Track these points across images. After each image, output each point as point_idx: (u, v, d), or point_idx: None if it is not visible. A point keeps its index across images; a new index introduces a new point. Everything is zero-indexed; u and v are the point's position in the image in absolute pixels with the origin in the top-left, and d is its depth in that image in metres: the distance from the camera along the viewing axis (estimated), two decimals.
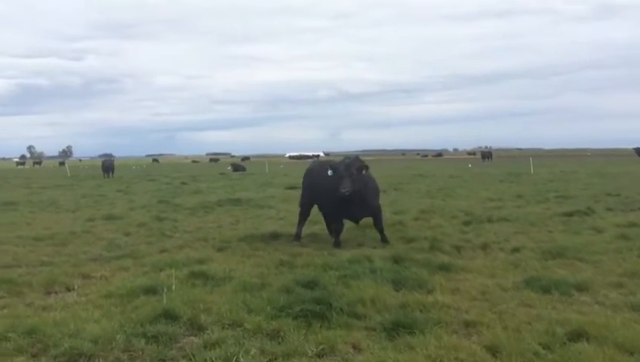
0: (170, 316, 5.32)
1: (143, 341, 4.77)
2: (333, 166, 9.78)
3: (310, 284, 6.40)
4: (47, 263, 8.56)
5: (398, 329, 5.06)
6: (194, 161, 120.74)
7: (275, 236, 10.77)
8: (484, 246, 9.13)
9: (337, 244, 9.67)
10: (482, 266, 7.79)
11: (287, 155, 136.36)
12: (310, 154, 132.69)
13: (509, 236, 10.23)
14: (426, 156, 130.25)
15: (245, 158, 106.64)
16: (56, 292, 6.85)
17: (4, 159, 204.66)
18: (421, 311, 5.66)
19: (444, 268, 7.51)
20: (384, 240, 9.84)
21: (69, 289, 6.97)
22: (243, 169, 50.51)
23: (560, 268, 7.56)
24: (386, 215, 13.08)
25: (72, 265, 8.26)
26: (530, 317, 5.47)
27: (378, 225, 10.09)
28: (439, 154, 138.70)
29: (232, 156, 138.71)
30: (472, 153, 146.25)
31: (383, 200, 17.49)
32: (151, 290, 6.36)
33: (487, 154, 72.77)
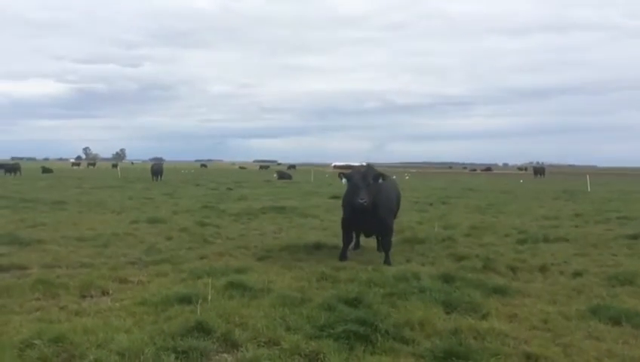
0: (203, 329, 4.99)
1: (172, 356, 4.45)
2: (347, 175, 9.28)
3: (354, 302, 5.97)
4: (86, 265, 8.46)
5: (450, 358, 4.56)
6: (241, 168, 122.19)
7: (318, 246, 10.38)
8: (543, 269, 8.44)
9: (341, 257, 9.19)
10: (541, 291, 7.14)
11: (333, 165, 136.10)
12: (356, 164, 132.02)
13: (569, 258, 9.47)
14: (474, 170, 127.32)
15: (291, 166, 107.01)
16: (91, 296, 6.68)
17: (61, 160, 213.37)
18: (475, 338, 5.13)
19: (500, 291, 6.91)
20: (387, 262, 8.98)
21: (104, 294, 6.78)
22: (289, 177, 50.48)
23: (630, 296, 6.83)
24: (435, 229, 12.59)
25: (111, 268, 8.11)
26: (600, 353, 4.86)
27: (384, 245, 9.44)
28: (488, 168, 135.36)
29: (279, 164, 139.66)
30: (522, 168, 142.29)
31: (432, 214, 17.12)
32: (186, 299, 6.08)
33: (539, 170, 70.29)
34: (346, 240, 9.55)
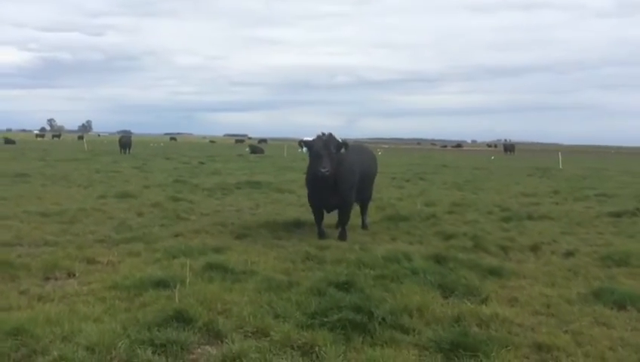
0: (182, 318, 4.48)
1: (149, 350, 3.93)
2: (308, 143, 8.72)
3: (344, 285, 5.53)
4: (50, 243, 7.81)
5: (457, 350, 4.17)
6: (211, 141, 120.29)
7: (298, 224, 9.91)
8: (534, 248, 8.15)
9: (319, 235, 8.84)
10: (537, 271, 6.83)
11: (303, 140, 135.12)
12: None
13: (557, 236, 9.23)
14: (445, 146, 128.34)
15: (262, 141, 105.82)
16: (56, 279, 6.08)
17: (24, 131, 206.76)
18: (479, 325, 4.77)
19: (495, 272, 6.57)
20: (342, 237, 8.69)
21: (70, 276, 6.18)
22: (261, 151, 49.74)
23: (627, 278, 6.58)
24: (418, 206, 12.26)
25: (77, 247, 7.47)
26: (612, 341, 4.54)
27: (342, 219, 8.95)
28: (459, 145, 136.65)
29: (250, 138, 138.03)
30: (491, 145, 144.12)
31: (410, 190, 16.82)
32: (162, 283, 5.55)
33: (509, 147, 71.09)
34: (317, 217, 9.01)
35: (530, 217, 11.22)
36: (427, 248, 7.93)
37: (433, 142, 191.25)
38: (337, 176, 8.47)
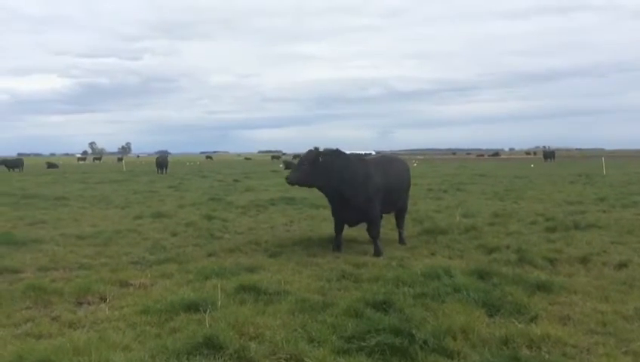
0: (213, 345, 4.28)
1: None
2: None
3: (382, 305, 5.26)
4: (85, 266, 7.81)
5: None
6: (247, 158, 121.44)
7: (333, 240, 9.65)
8: (583, 260, 7.69)
9: (334, 246, 8.97)
10: (588, 285, 6.39)
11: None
12: (362, 152, 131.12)
13: (607, 246, 8.72)
14: (482, 155, 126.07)
15: (296, 156, 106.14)
16: (88, 303, 5.99)
17: (67, 155, 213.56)
18: (529, 347, 4.43)
19: (543, 287, 6.17)
20: (375, 252, 8.53)
21: (102, 300, 6.09)
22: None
23: None
24: (457, 218, 11.84)
25: (111, 270, 7.44)
26: None
27: (369, 231, 8.97)
28: (496, 153, 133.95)
29: (284, 154, 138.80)
30: (529, 153, 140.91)
31: (448, 201, 16.35)
32: (193, 306, 5.39)
33: (549, 154, 69.08)
34: (336, 229, 9.12)
35: (576, 226, 10.67)
36: (469, 263, 7.56)
37: (469, 152, 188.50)
38: (346, 190, 8.59)
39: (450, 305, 5.32)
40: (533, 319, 5.11)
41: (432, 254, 8.41)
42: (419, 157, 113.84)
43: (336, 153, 8.88)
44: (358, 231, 10.12)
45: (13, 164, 48.64)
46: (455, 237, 9.74)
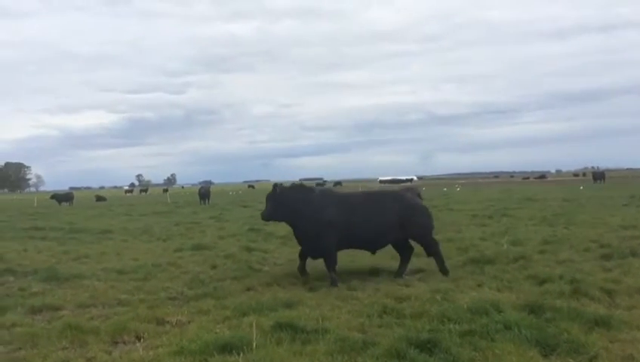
0: None
1: None
2: None
3: (427, 345, 4.94)
4: (123, 302, 7.76)
5: None
6: None
7: (373, 272, 9.38)
8: None
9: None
10: None
11: (379, 180, 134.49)
12: (403, 178, 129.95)
13: None
14: (527, 178, 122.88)
15: (337, 183, 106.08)
16: (124, 343, 5.89)
17: (115, 188, 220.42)
18: None
19: (602, 322, 5.71)
20: (332, 283, 8.52)
21: (138, 339, 5.97)
22: None
23: None
24: (504, 246, 11.34)
25: (149, 306, 7.35)
26: None
27: (325, 263, 8.95)
28: (542, 175, 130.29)
29: (325, 181, 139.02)
30: (577, 174, 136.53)
31: (494, 228, 15.75)
32: (228, 347, 5.19)
33: (599, 175, 66.63)
34: (300, 255, 9.47)
35: (634, 254, 10.02)
36: (519, 295, 7.11)
37: (512, 175, 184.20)
38: (299, 223, 9.04)
39: (500, 344, 4.95)
40: (593, 359, 4.69)
41: (479, 286, 7.98)
42: (461, 181, 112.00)
43: (294, 188, 9.49)
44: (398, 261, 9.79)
45: (64, 198, 50.35)
46: (503, 267, 9.27)
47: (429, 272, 9.14)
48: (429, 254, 9.32)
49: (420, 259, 10.36)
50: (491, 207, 25.03)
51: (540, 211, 21.86)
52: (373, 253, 9.61)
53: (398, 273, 9.13)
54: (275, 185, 9.47)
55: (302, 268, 9.33)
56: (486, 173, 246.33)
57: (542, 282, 7.87)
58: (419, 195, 9.77)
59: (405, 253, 9.44)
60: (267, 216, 9.29)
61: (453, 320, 5.84)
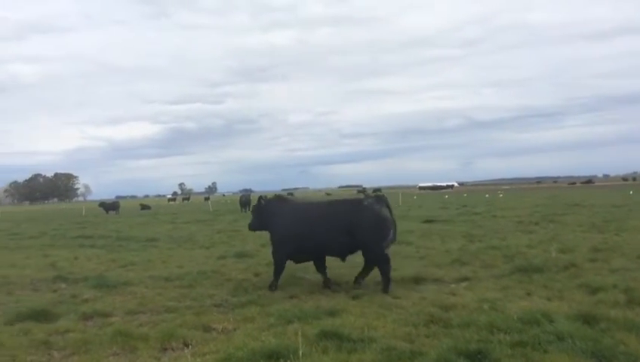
0: None
1: None
2: None
3: (477, 356, 4.84)
4: (170, 309, 7.90)
5: None
6: (327, 194, 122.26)
7: (417, 280, 9.24)
8: None
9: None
10: None
11: (419, 186, 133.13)
12: (444, 184, 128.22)
13: None
14: (573, 183, 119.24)
15: (377, 190, 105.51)
16: (172, 349, 5.99)
17: (159, 196, 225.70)
18: None
19: None
20: (270, 288, 9.10)
21: (186, 345, 6.06)
22: None
23: None
24: (553, 254, 11.01)
25: (195, 313, 7.46)
26: None
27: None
28: (589, 180, 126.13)
29: (364, 188, 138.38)
30: (626, 178, 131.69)
31: (541, 235, 15.30)
32: (275, 354, 5.21)
33: None
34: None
35: None
36: (570, 305, 6.89)
37: (555, 180, 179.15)
38: (270, 232, 9.79)
39: (553, 355, 4.80)
40: None
41: (528, 295, 7.76)
42: (504, 187, 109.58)
43: (272, 200, 10.18)
44: (445, 271, 9.67)
45: (110, 206, 51.81)
46: (552, 275, 8.99)
47: (475, 280, 8.96)
48: (377, 267, 8.94)
49: (465, 268, 10.20)
50: (537, 214, 24.39)
51: (589, 217, 21.17)
52: (342, 260, 9.49)
53: (357, 281, 9.15)
54: (260, 198, 10.25)
55: (323, 280, 9.35)
56: (528, 179, 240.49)
57: (594, 291, 7.59)
58: (386, 204, 9.12)
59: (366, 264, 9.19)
60: (252, 227, 10.27)
61: (502, 330, 5.70)
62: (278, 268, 9.34)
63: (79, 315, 7.60)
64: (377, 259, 8.79)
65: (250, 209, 42.32)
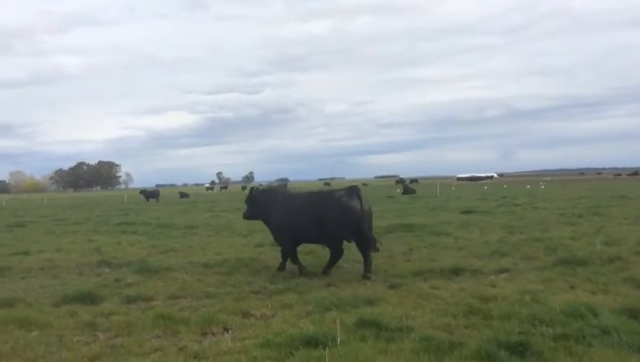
0: None
1: None
2: None
3: (518, 348, 4.74)
4: (210, 295, 8.04)
5: None
6: (364, 184, 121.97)
7: (456, 271, 9.12)
8: None
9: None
10: None
11: (457, 177, 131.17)
12: (483, 175, 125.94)
13: None
14: (619, 175, 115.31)
15: (414, 181, 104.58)
16: (212, 333, 6.10)
17: (197, 185, 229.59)
18: None
19: None
20: (278, 268, 10.01)
21: (225, 330, 6.17)
22: (413, 191, 48.89)
23: None
24: (597, 247, 10.70)
25: (234, 299, 7.58)
26: None
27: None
28: (635, 172, 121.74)
29: (401, 179, 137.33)
30: None
31: (585, 227, 14.87)
32: (313, 341, 5.24)
33: None
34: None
35: None
36: (616, 299, 6.69)
37: (599, 171, 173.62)
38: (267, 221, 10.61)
39: (598, 349, 4.68)
40: None
41: (572, 288, 7.57)
42: (546, 178, 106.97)
43: (264, 191, 11.32)
44: (484, 263, 9.54)
45: (151, 194, 53.05)
46: (597, 268, 8.75)
47: (516, 272, 8.79)
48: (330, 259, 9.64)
49: (505, 259, 10.02)
50: (580, 205, 23.74)
51: (635, 210, 20.47)
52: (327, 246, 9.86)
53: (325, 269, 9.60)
54: (252, 189, 11.34)
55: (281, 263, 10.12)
56: (571, 170, 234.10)
57: None
58: (358, 196, 9.42)
59: (364, 251, 9.43)
60: (246, 216, 11.22)
61: (545, 322, 5.59)
62: (286, 253, 10.00)
63: (123, 298, 7.82)
64: (334, 250, 9.57)
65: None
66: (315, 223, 9.36)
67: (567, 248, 10.85)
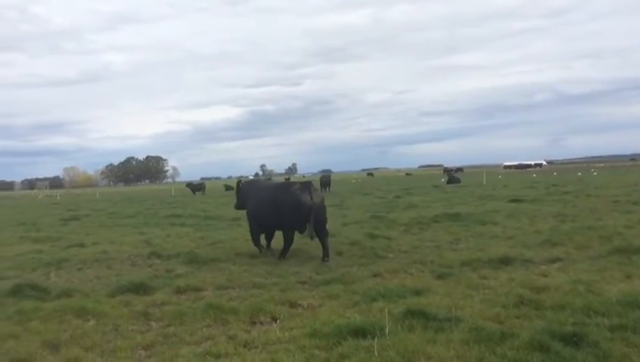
0: None
1: None
2: None
3: (572, 339, 4.61)
4: (257, 285, 8.16)
5: None
6: (407, 174, 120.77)
7: (505, 260, 8.92)
8: None
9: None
10: None
11: (504, 165, 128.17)
12: (532, 163, 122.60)
13: None
14: None
15: (459, 169, 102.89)
16: (261, 323, 6.20)
17: (241, 177, 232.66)
18: None
19: None
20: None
21: (273, 320, 6.26)
22: (458, 181, 48.11)
23: None
24: None
25: (281, 289, 7.67)
26: None
27: None
28: None
29: (446, 168, 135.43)
30: None
31: (633, 217, 14.30)
32: (361, 332, 5.25)
33: None
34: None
35: None
36: None
37: None
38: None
39: None
40: None
41: (628, 277, 7.30)
42: (598, 165, 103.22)
43: (246, 183, 12.69)
44: (535, 252, 9.29)
45: (197, 187, 54.22)
46: None
47: (569, 262, 8.54)
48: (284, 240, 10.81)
49: (556, 248, 9.75)
50: (635, 193, 22.81)
51: None
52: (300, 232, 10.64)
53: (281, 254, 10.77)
54: (239, 181, 12.60)
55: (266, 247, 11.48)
56: (623, 156, 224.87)
57: None
58: (309, 191, 10.33)
59: (321, 239, 10.29)
60: (236, 207, 12.58)
61: (600, 313, 5.41)
62: (254, 240, 11.43)
63: (174, 289, 8.03)
64: (287, 237, 10.75)
65: (330, 189, 42.65)
66: (273, 213, 10.68)
67: (622, 236, 10.46)
